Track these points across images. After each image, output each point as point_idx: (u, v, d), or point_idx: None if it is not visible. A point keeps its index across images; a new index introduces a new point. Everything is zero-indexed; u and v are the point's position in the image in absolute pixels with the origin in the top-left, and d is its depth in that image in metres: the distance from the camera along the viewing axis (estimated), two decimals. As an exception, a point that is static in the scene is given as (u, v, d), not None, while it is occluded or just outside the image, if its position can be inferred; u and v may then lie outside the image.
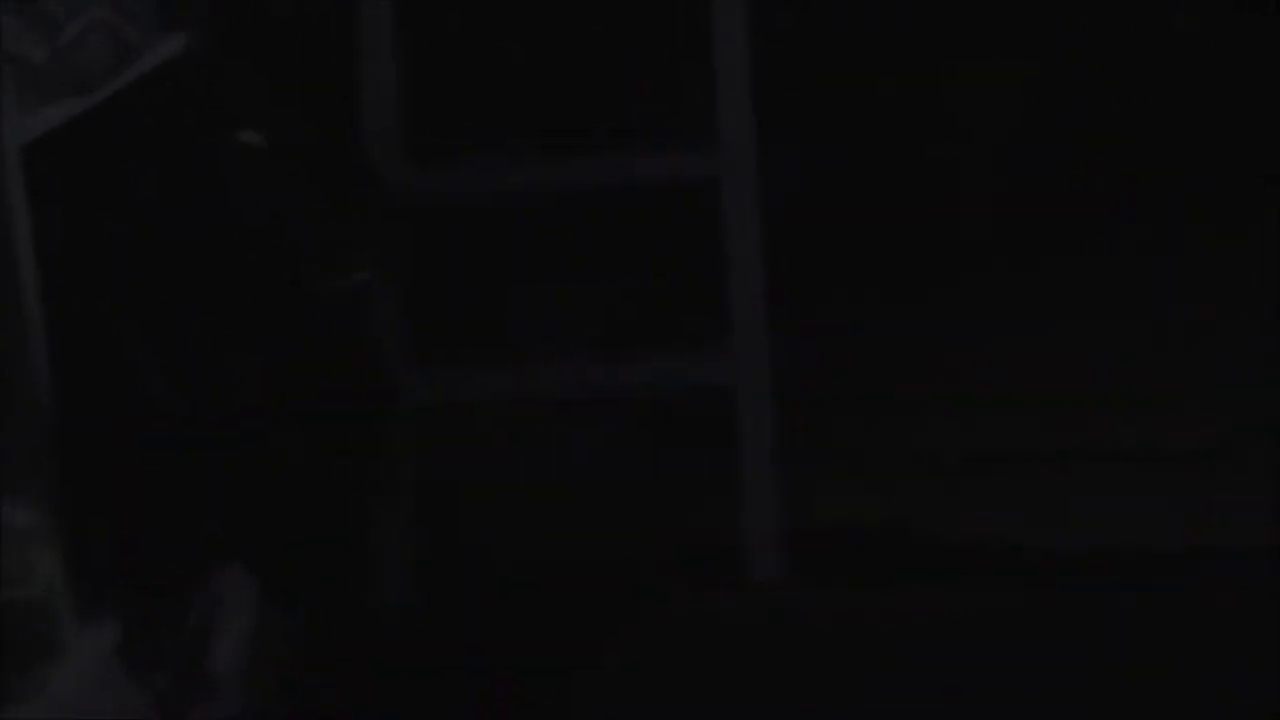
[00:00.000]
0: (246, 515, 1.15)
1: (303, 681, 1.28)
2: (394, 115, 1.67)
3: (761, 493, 1.54)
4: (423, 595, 1.50)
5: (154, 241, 1.22)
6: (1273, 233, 2.13)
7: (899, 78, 2.25)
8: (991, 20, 2.26)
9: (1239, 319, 2.01)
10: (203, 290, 1.21)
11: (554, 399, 1.70)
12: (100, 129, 1.21)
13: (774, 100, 1.62)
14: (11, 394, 1.03)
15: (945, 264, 2.21)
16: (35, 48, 1.12)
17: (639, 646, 1.45)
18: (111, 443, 1.11)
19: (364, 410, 1.18)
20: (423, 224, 1.66)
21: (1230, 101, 2.28)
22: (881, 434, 1.81)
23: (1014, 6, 2.26)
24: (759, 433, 1.55)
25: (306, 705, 1.27)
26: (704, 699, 1.34)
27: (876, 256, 2.18)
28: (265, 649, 1.28)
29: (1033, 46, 2.31)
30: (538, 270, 2.04)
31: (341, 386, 1.16)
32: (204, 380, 1.13)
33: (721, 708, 1.32)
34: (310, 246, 1.26)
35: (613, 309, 1.98)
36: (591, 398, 1.65)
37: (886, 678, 1.35)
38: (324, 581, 1.26)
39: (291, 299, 1.17)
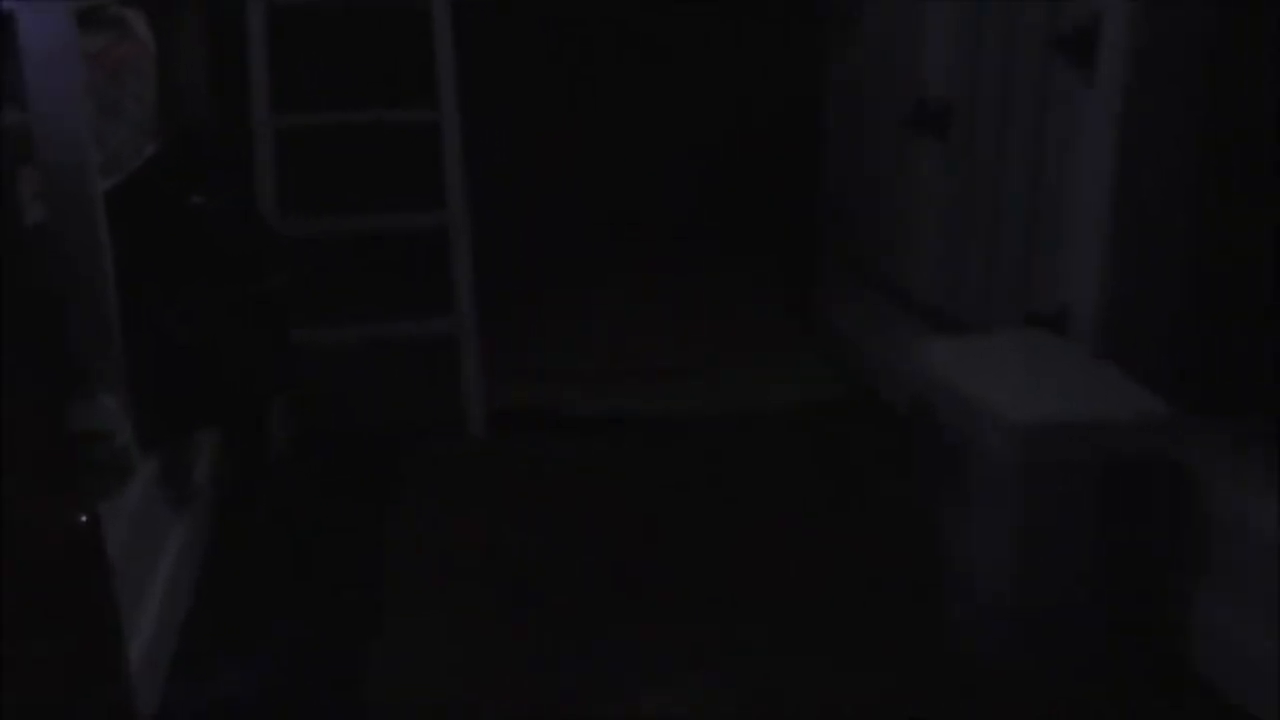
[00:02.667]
0: (208, 393, 2.40)
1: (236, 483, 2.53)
2: (273, 187, 2.96)
3: (475, 388, 2.89)
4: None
5: (154, 248, 2.42)
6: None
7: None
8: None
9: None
10: (181, 279, 2.43)
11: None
12: (126, 189, 2.28)
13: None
14: (106, 329, 2.17)
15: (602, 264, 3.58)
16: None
17: (412, 472, 2.75)
18: (141, 353, 2.30)
19: (275, 335, 2.46)
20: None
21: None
22: (547, 359, 3.19)
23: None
24: (472, 358, 2.89)
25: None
26: (452, 503, 2.61)
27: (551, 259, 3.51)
28: (220, 467, 2.52)
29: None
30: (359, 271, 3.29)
31: (263, 326, 2.43)
32: (185, 320, 2.35)
33: (462, 506, 2.61)
34: (237, 259, 2.52)
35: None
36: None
37: (548, 489, 2.64)
38: (250, 427, 2.54)
39: (231, 290, 2.43)
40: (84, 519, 1.36)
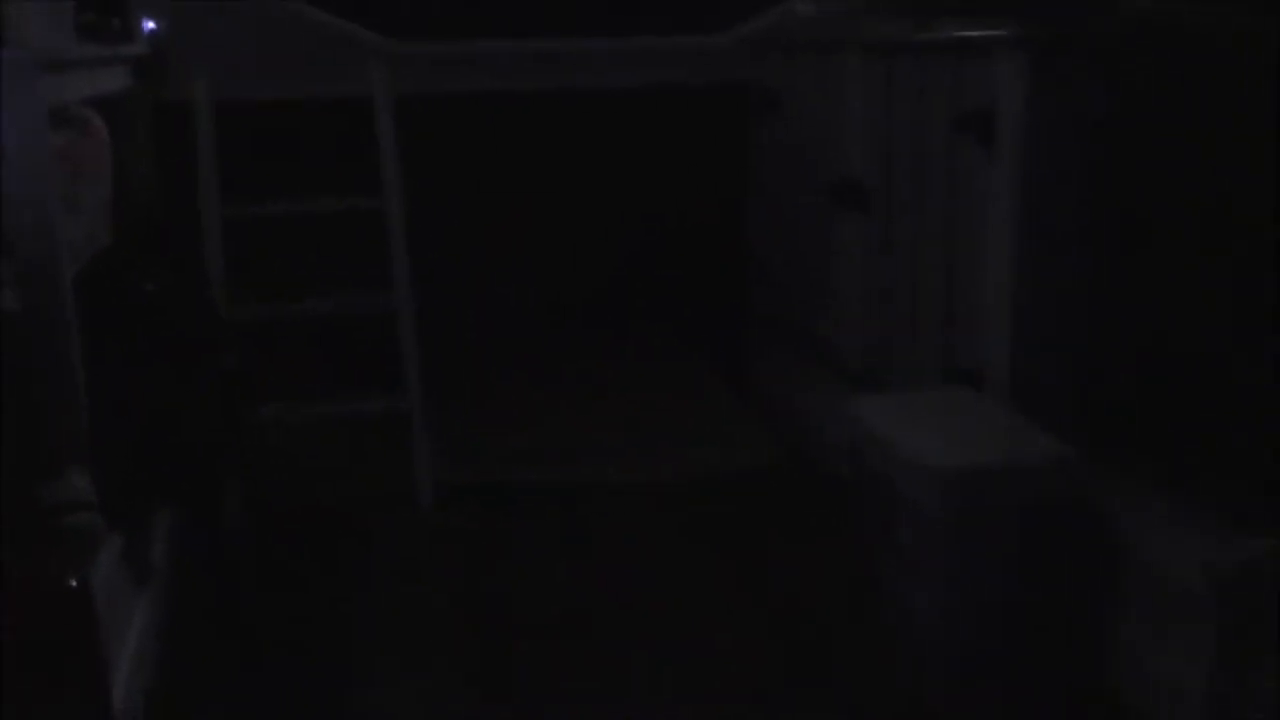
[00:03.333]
0: (167, 470, 2.47)
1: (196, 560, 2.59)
2: (222, 274, 3.06)
3: (424, 463, 2.99)
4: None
5: (111, 333, 2.51)
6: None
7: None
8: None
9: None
10: (137, 362, 2.51)
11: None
12: (82, 278, 2.48)
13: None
14: (74, 409, 2.24)
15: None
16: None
17: (365, 545, 2.83)
18: (102, 432, 2.37)
19: (229, 414, 2.55)
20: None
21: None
22: (490, 434, 3.30)
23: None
24: (420, 435, 2.99)
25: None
26: (405, 574, 2.71)
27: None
28: (179, 546, 2.58)
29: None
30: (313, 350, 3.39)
31: (217, 405, 2.52)
32: (143, 400, 2.43)
33: (414, 577, 2.71)
34: (190, 341, 2.61)
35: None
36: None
37: (493, 560, 2.76)
38: (207, 503, 2.61)
39: (186, 371, 2.52)
40: (73, 583, 1.43)
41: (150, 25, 3.10)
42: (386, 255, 3.11)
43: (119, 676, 1.95)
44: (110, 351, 2.40)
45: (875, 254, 2.81)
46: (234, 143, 3.17)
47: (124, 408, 2.41)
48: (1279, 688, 1.77)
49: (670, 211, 3.66)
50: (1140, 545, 2.00)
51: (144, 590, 2.33)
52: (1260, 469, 1.89)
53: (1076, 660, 2.06)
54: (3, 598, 1.31)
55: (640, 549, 2.72)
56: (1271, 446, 1.87)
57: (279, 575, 2.67)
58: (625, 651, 2.28)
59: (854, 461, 2.31)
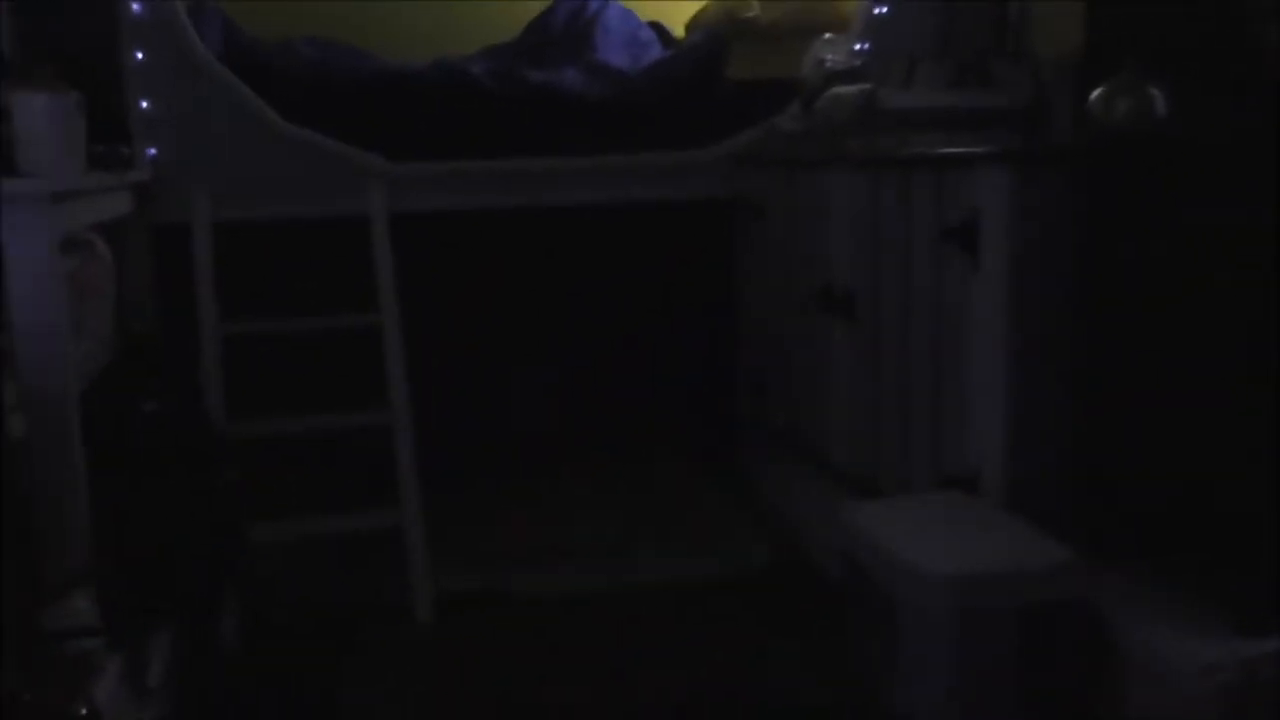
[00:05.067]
0: (168, 587, 2.46)
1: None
2: (220, 390, 3.09)
3: (421, 575, 2.98)
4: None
5: (112, 453, 2.52)
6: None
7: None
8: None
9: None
10: (137, 480, 2.52)
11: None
12: (85, 399, 2.51)
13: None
14: (77, 532, 2.24)
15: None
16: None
17: (362, 658, 2.81)
18: (104, 551, 2.36)
19: (228, 530, 2.55)
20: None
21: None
22: (486, 542, 3.30)
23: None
24: (417, 547, 2.99)
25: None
26: (402, 689, 2.70)
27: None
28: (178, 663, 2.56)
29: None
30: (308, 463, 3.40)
31: (217, 522, 2.52)
32: (143, 518, 2.44)
33: (411, 692, 2.69)
34: (188, 459, 2.62)
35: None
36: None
37: (491, 671, 2.76)
38: (206, 618, 2.59)
39: (185, 489, 2.53)
40: (84, 712, 1.43)
41: (152, 152, 3.19)
42: (383, 370, 3.16)
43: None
44: (112, 472, 2.43)
45: (864, 360, 2.86)
46: (232, 261, 3.24)
47: (126, 528, 2.43)
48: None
49: (660, 320, 3.73)
50: (1141, 647, 2.01)
51: (144, 709, 2.31)
52: (1261, 569, 1.91)
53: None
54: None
55: (642, 655, 2.71)
56: (1272, 546, 1.90)
57: (277, 692, 2.64)
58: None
59: (852, 567, 2.33)
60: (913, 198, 2.65)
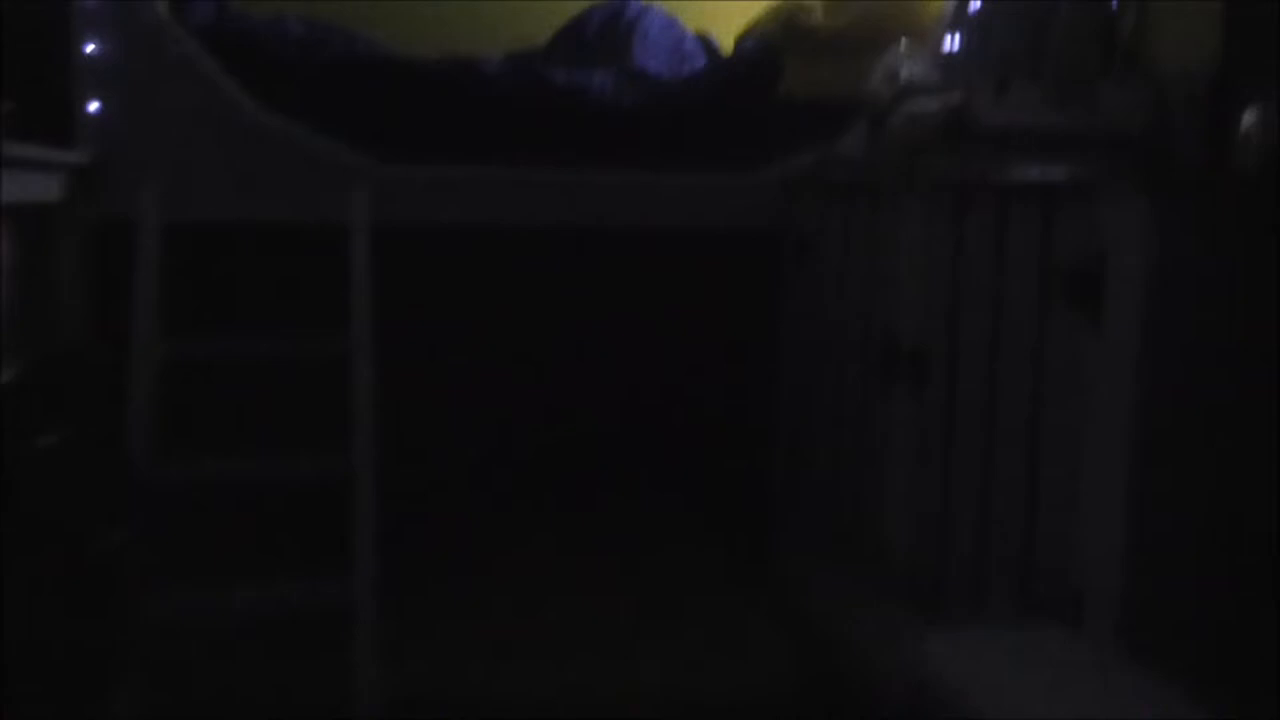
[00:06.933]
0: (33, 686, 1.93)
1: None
2: (150, 421, 2.56)
3: (369, 671, 2.41)
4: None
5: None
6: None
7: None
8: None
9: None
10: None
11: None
12: None
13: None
14: None
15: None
16: None
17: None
18: None
19: (113, 609, 2.01)
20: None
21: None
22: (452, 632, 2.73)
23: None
24: (367, 633, 2.42)
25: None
26: None
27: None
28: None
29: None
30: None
31: (95, 598, 1.99)
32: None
33: None
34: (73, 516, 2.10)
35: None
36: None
37: None
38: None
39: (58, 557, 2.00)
40: None
41: (95, 105, 2.64)
42: (347, 406, 2.60)
43: None
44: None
45: (934, 438, 2.29)
46: (180, 268, 2.72)
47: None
48: None
49: (683, 369, 3.17)
50: None
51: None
52: None
53: None
54: None
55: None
56: None
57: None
58: None
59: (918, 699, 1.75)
60: (1009, 235, 2.10)
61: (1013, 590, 2.04)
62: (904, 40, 2.88)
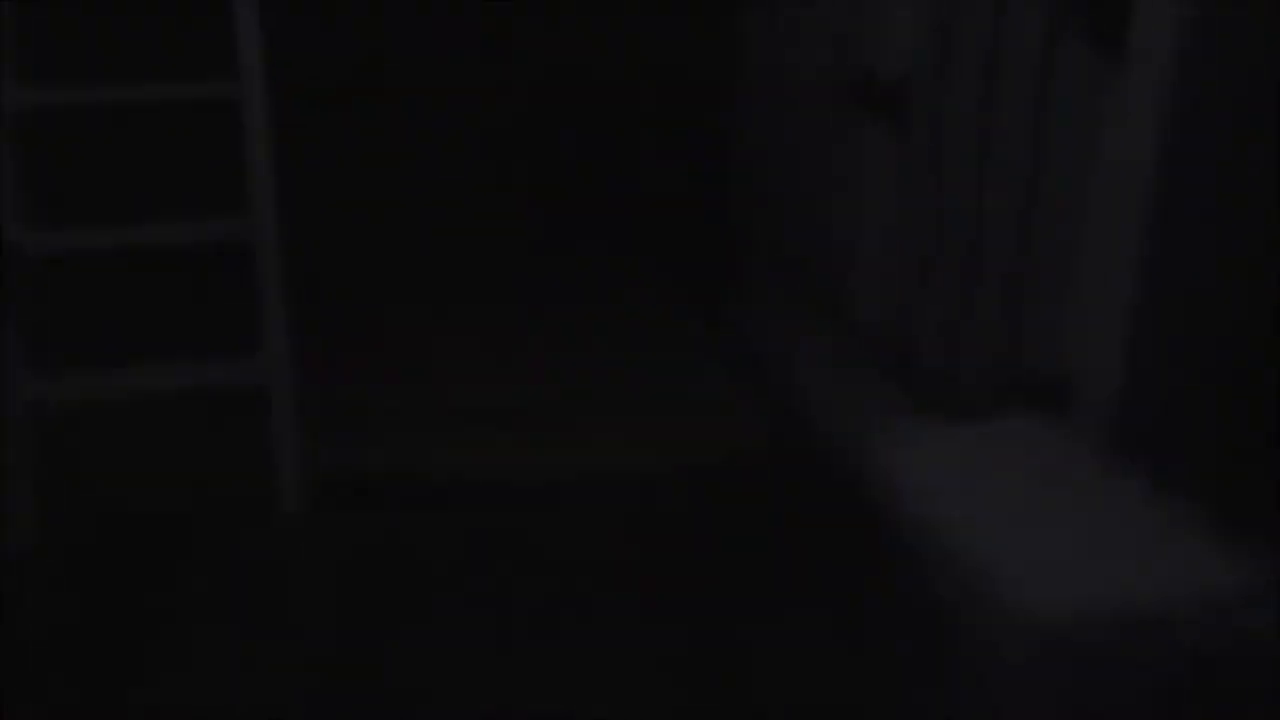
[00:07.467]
0: None
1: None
2: (12, 182, 2.22)
3: (289, 450, 2.21)
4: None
5: None
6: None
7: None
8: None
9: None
10: None
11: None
12: None
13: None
14: None
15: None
16: None
17: (208, 568, 2.08)
18: None
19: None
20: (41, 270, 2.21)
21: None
22: (375, 406, 2.52)
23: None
24: (285, 411, 2.20)
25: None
26: (255, 610, 1.98)
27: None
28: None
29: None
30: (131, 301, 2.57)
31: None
32: None
33: (265, 617, 1.97)
34: None
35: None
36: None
37: (377, 584, 2.04)
38: None
39: None
40: None
41: None
42: (241, 160, 2.26)
43: None
44: None
45: (914, 184, 2.00)
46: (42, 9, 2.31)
47: None
48: None
49: (636, 100, 2.81)
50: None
51: None
52: None
53: None
54: None
55: (574, 583, 1.97)
56: None
57: (79, 622, 1.91)
58: None
59: (890, 544, 1.56)
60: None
61: (995, 361, 1.81)
62: None
